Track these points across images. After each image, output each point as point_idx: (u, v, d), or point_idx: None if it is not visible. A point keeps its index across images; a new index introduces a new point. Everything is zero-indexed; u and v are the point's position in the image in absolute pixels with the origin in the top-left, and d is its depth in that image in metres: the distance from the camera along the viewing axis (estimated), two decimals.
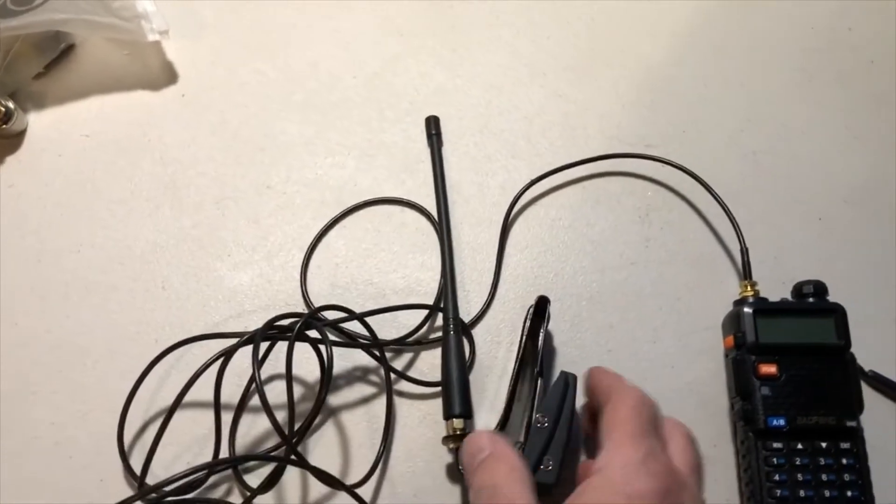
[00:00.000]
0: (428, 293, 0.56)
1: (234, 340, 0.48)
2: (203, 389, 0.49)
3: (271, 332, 0.48)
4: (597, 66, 0.64)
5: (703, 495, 0.40)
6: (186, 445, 0.51)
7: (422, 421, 0.52)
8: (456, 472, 0.50)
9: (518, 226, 0.58)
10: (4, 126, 0.59)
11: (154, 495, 0.45)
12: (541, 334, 0.51)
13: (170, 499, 0.46)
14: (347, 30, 0.65)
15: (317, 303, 0.55)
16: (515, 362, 0.50)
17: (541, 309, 0.52)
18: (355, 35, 0.65)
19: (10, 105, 0.59)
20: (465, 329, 0.54)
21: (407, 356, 0.54)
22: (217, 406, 0.49)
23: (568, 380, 0.48)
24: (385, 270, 0.57)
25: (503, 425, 0.49)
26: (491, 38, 0.65)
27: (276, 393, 0.50)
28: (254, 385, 0.49)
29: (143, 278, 0.56)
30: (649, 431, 0.40)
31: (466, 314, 0.55)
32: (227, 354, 0.48)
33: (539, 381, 0.49)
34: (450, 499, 0.50)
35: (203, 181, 0.59)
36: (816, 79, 0.64)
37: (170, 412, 0.49)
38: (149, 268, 0.56)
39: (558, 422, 0.46)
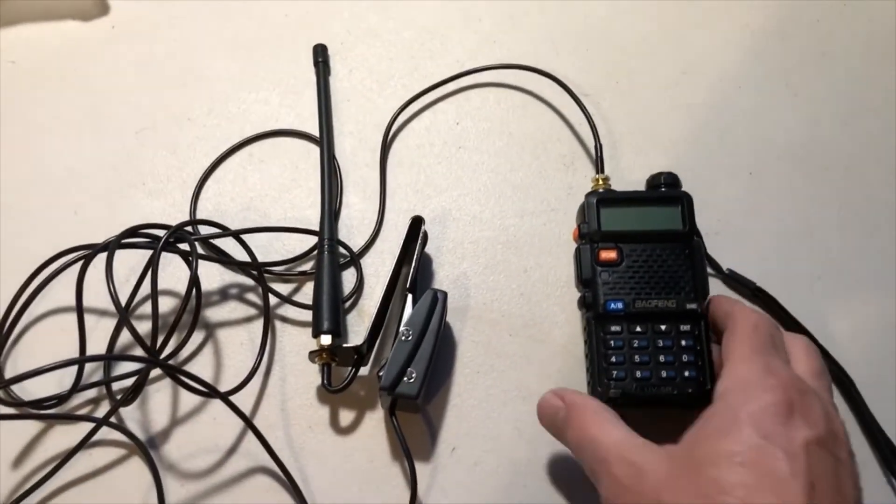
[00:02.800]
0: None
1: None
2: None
3: (137, 241, 0.48)
4: (533, 15, 0.63)
5: (831, 398, 0.40)
6: (53, 359, 0.50)
7: (301, 342, 0.52)
8: (324, 391, 0.50)
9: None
10: None
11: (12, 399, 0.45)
12: (416, 253, 0.51)
13: (33, 411, 0.46)
14: None
15: (209, 228, 0.54)
16: (387, 281, 0.51)
17: (415, 228, 0.52)
18: None
19: None
20: (353, 259, 0.54)
21: (293, 286, 0.54)
22: (80, 315, 0.49)
23: (437, 296, 0.48)
24: (283, 201, 0.57)
25: (371, 342, 0.49)
26: None
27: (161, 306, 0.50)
28: (130, 294, 0.50)
29: (57, 203, 0.56)
30: (766, 349, 0.40)
31: (356, 245, 0.55)
32: (86, 260, 0.48)
33: (409, 297, 0.49)
34: (320, 414, 0.50)
35: (125, 111, 0.59)
36: (759, 35, 0.63)
37: (21, 309, 0.50)
38: (63, 193, 0.56)
39: (424, 335, 0.46)
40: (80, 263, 0.48)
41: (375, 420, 0.50)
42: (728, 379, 0.40)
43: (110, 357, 0.49)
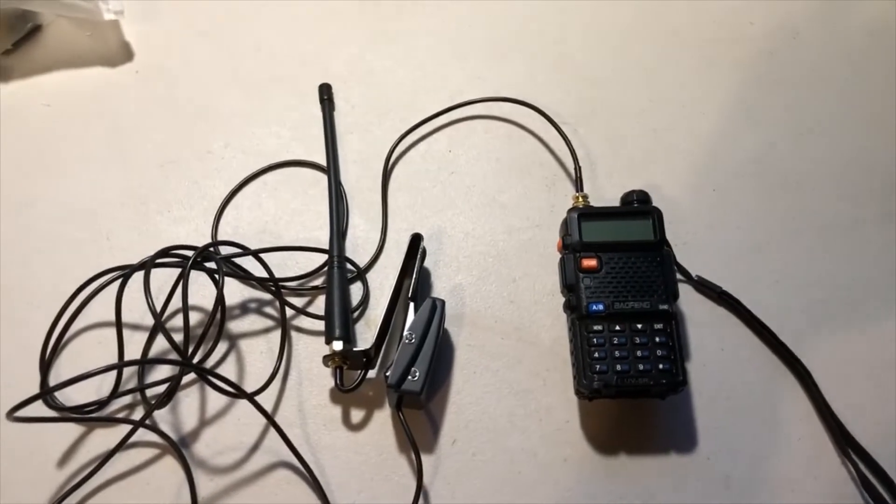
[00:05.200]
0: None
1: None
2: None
3: (170, 260, 0.54)
4: (515, 52, 0.70)
5: None
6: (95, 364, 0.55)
7: (315, 349, 0.58)
8: (337, 392, 0.56)
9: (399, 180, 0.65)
10: None
11: (57, 404, 0.51)
12: (416, 267, 0.57)
13: (76, 415, 0.52)
14: (288, 14, 0.72)
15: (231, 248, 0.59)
16: (392, 291, 0.57)
17: (414, 244, 0.58)
18: (295, 19, 0.71)
19: None
20: (360, 274, 0.60)
21: (307, 298, 0.60)
22: (119, 330, 0.55)
23: (436, 303, 0.55)
24: (296, 224, 0.63)
25: (379, 345, 0.55)
26: (419, 24, 0.72)
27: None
28: (161, 308, 0.55)
29: (90, 229, 0.62)
30: None
31: (362, 261, 0.61)
32: (123, 278, 0.54)
33: (411, 306, 0.55)
34: (333, 413, 0.56)
35: (150, 147, 0.65)
36: (716, 66, 0.70)
37: (63, 330, 0.56)
38: (95, 220, 0.62)
39: (425, 338, 0.53)
40: (117, 282, 0.54)
41: (383, 417, 0.56)
42: None
43: (150, 361, 0.55)
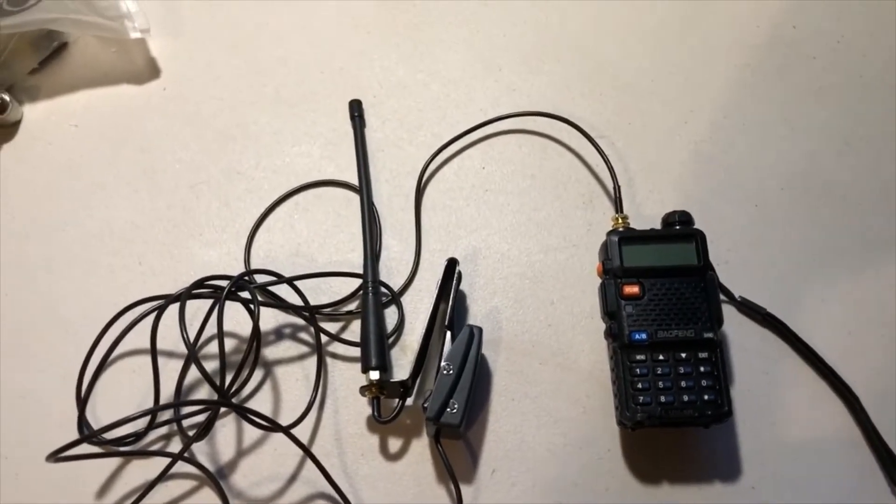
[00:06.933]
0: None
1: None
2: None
3: (204, 291, 0.54)
4: (548, 63, 0.68)
5: None
6: (132, 400, 0.57)
7: (350, 376, 0.57)
8: (373, 421, 0.55)
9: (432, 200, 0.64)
10: (1, 116, 0.64)
11: (97, 439, 0.51)
12: (451, 293, 0.56)
13: (114, 448, 0.52)
14: (315, 27, 0.70)
15: (265, 276, 0.59)
16: (428, 319, 0.55)
17: (450, 270, 0.57)
18: (323, 32, 0.70)
19: (7, 97, 0.64)
20: (395, 298, 0.59)
21: (341, 324, 0.59)
22: (154, 360, 0.55)
23: (473, 331, 0.53)
24: (328, 246, 0.62)
25: (415, 375, 0.54)
26: (449, 35, 0.69)
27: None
28: (194, 338, 0.55)
29: (122, 254, 0.61)
30: None
31: (396, 285, 0.60)
32: (159, 310, 0.54)
33: (448, 334, 0.54)
34: (370, 442, 0.55)
35: (179, 167, 0.64)
36: (758, 73, 0.68)
37: (100, 364, 0.55)
38: (127, 245, 0.62)
39: (463, 368, 0.52)
40: (151, 312, 0.54)
41: (421, 446, 0.55)
42: None
43: (187, 403, 0.54)
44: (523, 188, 0.63)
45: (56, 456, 0.48)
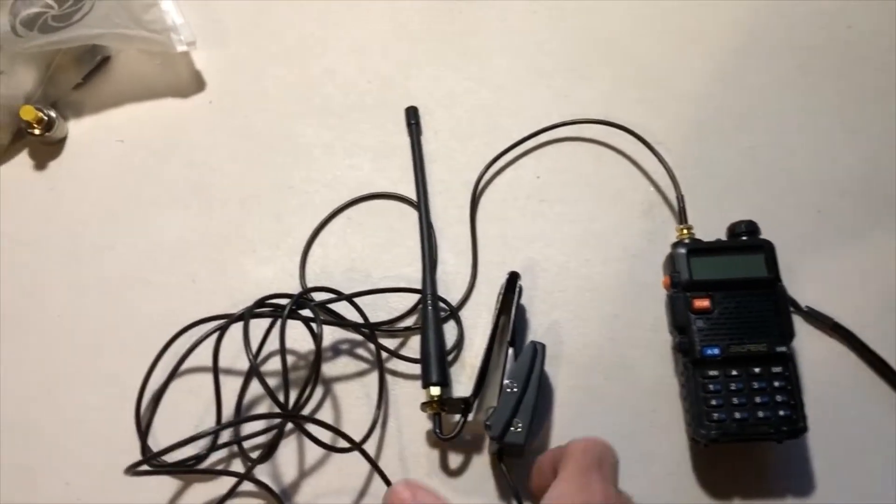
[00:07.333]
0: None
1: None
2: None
3: (265, 310, 0.53)
4: (599, 67, 0.67)
5: None
6: (196, 420, 0.56)
7: (409, 393, 0.57)
8: (433, 437, 0.54)
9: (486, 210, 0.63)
10: (47, 133, 0.63)
11: (157, 462, 0.51)
12: (513, 307, 0.55)
13: (182, 468, 0.52)
14: (362, 36, 0.68)
15: (324, 294, 0.58)
16: (489, 334, 0.55)
17: (512, 284, 0.56)
18: (369, 41, 0.68)
19: (52, 114, 0.64)
20: (453, 313, 0.58)
21: (399, 339, 0.58)
22: (216, 381, 0.54)
23: (536, 348, 0.52)
24: (383, 261, 0.61)
25: (477, 393, 0.53)
26: (498, 42, 0.68)
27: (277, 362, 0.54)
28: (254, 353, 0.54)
29: (175, 273, 0.61)
30: (589, 468, 0.42)
31: (453, 299, 0.59)
32: (221, 331, 0.53)
33: (510, 350, 0.53)
34: (432, 459, 0.55)
35: (229, 182, 0.63)
36: (813, 74, 0.66)
37: (163, 385, 0.54)
38: (180, 263, 0.61)
39: (527, 386, 0.51)
40: (214, 332, 0.54)
41: (482, 463, 0.54)
42: (549, 495, 0.42)
43: (254, 417, 0.54)
44: (579, 198, 0.62)
45: (132, 470, 0.48)
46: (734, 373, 0.50)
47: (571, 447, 0.44)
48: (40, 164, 0.65)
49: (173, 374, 0.55)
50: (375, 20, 0.69)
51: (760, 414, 0.49)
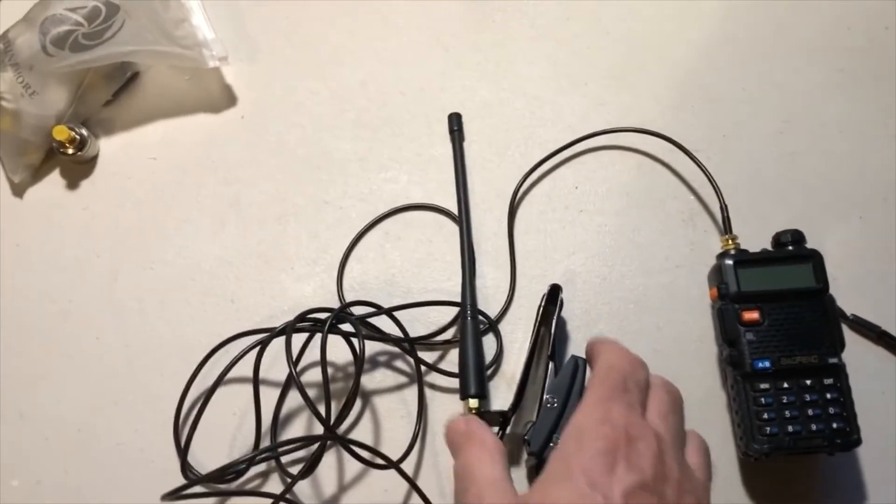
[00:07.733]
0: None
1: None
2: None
3: (306, 325, 0.53)
4: (635, 74, 0.66)
5: (676, 436, 0.40)
6: (231, 434, 0.56)
7: (448, 407, 0.56)
8: None
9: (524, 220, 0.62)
10: (79, 153, 0.62)
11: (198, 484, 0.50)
12: (553, 320, 0.54)
13: (222, 488, 0.52)
14: (394, 48, 0.68)
15: (363, 308, 0.57)
16: (529, 347, 0.54)
17: (553, 296, 0.55)
18: (402, 53, 0.67)
19: (84, 132, 0.63)
20: (492, 325, 0.58)
21: (438, 353, 0.58)
22: (256, 395, 0.54)
23: (578, 363, 0.51)
24: (423, 276, 0.60)
25: (515, 406, 0.52)
26: (532, 50, 0.67)
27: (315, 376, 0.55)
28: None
29: (214, 292, 0.60)
30: (613, 393, 0.39)
31: (492, 312, 0.59)
32: (262, 345, 0.53)
33: (551, 364, 0.53)
34: None
35: (264, 198, 0.63)
36: (854, 78, 0.65)
37: (204, 401, 0.53)
38: (218, 282, 0.60)
39: (567, 402, 0.50)
40: (255, 346, 0.53)
41: (520, 478, 0.53)
42: (570, 425, 0.39)
43: (299, 440, 0.53)
44: (619, 208, 0.61)
45: (172, 495, 0.48)
46: (786, 385, 0.50)
47: (598, 365, 0.42)
48: (72, 183, 0.65)
49: (216, 386, 0.54)
50: (407, 33, 0.68)
51: (813, 427, 0.49)
